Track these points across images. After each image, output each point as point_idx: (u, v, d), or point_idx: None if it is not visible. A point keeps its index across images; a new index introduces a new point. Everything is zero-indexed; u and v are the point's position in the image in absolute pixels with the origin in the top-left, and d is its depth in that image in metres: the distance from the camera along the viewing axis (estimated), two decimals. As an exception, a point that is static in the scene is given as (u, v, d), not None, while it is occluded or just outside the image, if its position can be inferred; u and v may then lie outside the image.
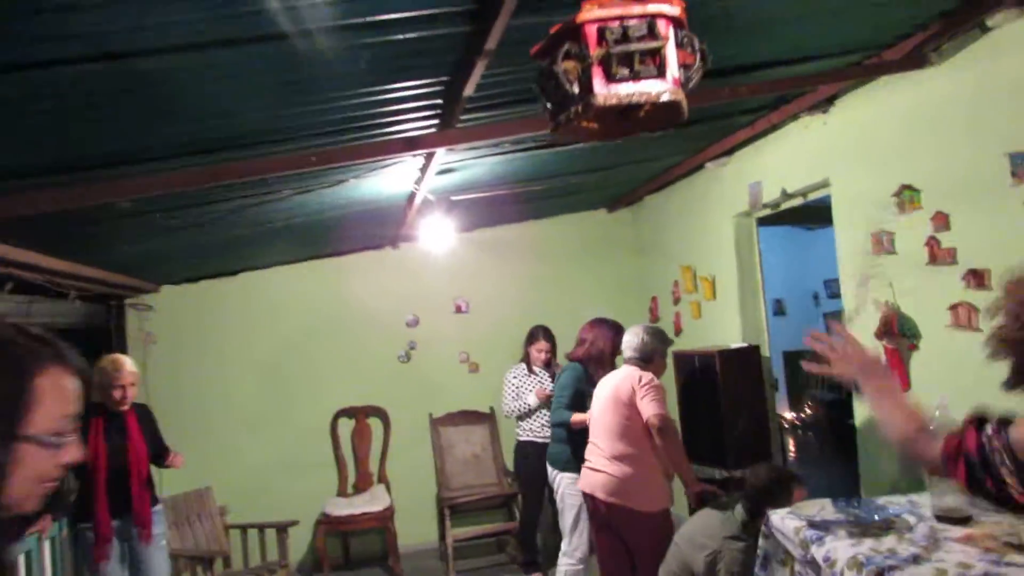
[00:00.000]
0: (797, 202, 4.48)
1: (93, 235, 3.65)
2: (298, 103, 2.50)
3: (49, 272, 3.88)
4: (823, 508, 2.64)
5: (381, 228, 5.04)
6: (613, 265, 6.47)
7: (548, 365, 5.20)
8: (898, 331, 3.51)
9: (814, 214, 5.37)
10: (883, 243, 3.61)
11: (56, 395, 0.93)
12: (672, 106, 1.07)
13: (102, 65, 1.86)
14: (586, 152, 3.98)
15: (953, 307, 3.20)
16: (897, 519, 2.48)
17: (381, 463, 5.94)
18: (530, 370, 5.22)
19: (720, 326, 5.15)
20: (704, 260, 5.36)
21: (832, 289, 8.98)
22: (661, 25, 1.02)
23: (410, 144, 2.71)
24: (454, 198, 4.15)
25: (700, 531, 3.14)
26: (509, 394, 5.16)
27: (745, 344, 4.74)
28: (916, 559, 2.13)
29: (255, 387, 5.83)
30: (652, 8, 1.01)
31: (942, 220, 3.24)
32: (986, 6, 2.78)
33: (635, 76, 0.99)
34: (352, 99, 2.53)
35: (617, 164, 4.68)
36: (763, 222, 5.02)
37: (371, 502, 5.57)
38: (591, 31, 1.01)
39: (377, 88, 2.47)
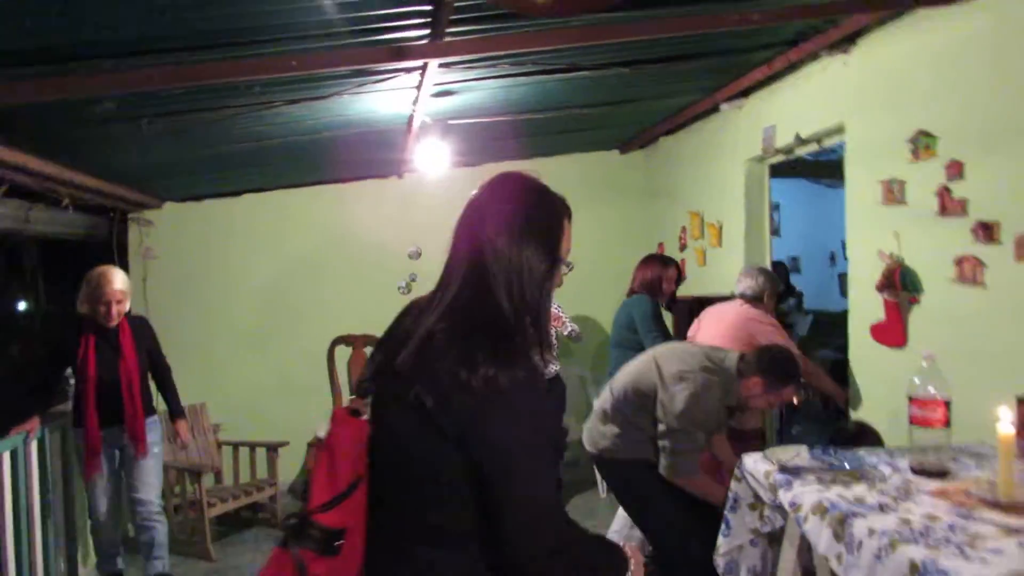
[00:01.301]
0: (812, 148, 4.30)
1: (82, 139, 3.59)
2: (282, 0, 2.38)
3: (41, 176, 3.84)
4: (798, 454, 2.57)
5: (382, 153, 4.93)
6: (622, 209, 6.34)
7: None
8: (900, 284, 3.39)
9: (836, 170, 5.20)
10: (894, 192, 3.46)
11: (568, 234, 1.44)
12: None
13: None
14: (594, 83, 3.83)
15: (959, 261, 3.07)
16: (872, 469, 2.41)
17: (376, 392, 5.95)
18: None
19: (724, 274, 5.03)
20: (713, 206, 5.22)
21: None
22: None
23: (397, 53, 2.58)
24: (452, 122, 4.02)
25: (680, 355, 3.12)
26: None
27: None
28: (882, 507, 2.06)
29: (254, 309, 5.84)
30: None
31: (956, 169, 3.08)
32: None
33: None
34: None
35: (628, 99, 4.51)
36: (783, 173, 4.87)
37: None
38: None
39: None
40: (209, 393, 5.38)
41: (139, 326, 3.91)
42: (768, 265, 4.86)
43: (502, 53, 3.04)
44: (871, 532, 1.92)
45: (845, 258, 8.99)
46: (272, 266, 5.88)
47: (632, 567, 1.44)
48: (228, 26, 2.47)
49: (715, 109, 4.94)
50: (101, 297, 3.62)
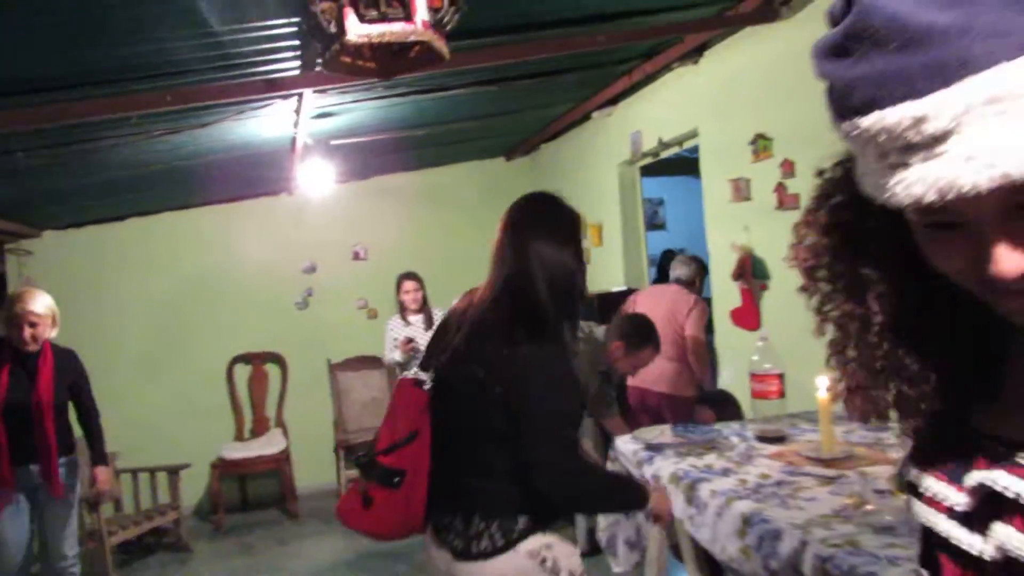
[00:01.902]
0: (673, 151, 4.68)
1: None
2: (152, 40, 2.48)
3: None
4: (662, 433, 2.87)
5: (269, 172, 5.00)
6: (510, 213, 6.58)
7: (422, 310, 5.09)
8: (751, 273, 3.78)
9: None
10: (741, 190, 3.85)
11: None
12: (428, 48, 1.17)
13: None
14: (466, 99, 4.06)
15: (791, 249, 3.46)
16: (723, 440, 2.74)
17: (278, 408, 6.00)
18: (404, 319, 5.06)
19: (606, 271, 5.37)
20: (592, 208, 5.55)
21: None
22: (404, -29, 1.12)
23: (271, 85, 2.73)
24: (334, 142, 4.17)
25: None
26: (388, 345, 5.10)
27: (626, 288, 4.97)
28: (726, 472, 2.37)
29: (149, 332, 5.77)
30: (395, -46, 1.11)
31: (789, 167, 3.49)
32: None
33: (383, 17, 1.09)
34: (209, 38, 2.53)
35: (503, 112, 4.77)
36: (666, 172, 5.24)
37: (267, 445, 5.65)
38: (342, -26, 1.10)
39: (233, 27, 2.48)
40: (106, 421, 5.27)
41: (65, 358, 3.67)
42: (643, 258, 5.24)
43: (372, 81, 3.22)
44: (713, 493, 2.21)
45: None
46: (164, 288, 5.82)
47: (653, 503, 1.90)
48: (101, 64, 2.55)
49: (587, 117, 5.27)
50: (14, 319, 3.39)
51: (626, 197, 5.21)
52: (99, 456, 3.82)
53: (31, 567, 3.74)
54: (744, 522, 2.02)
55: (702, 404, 3.55)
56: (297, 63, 2.84)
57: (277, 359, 6.03)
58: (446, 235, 6.39)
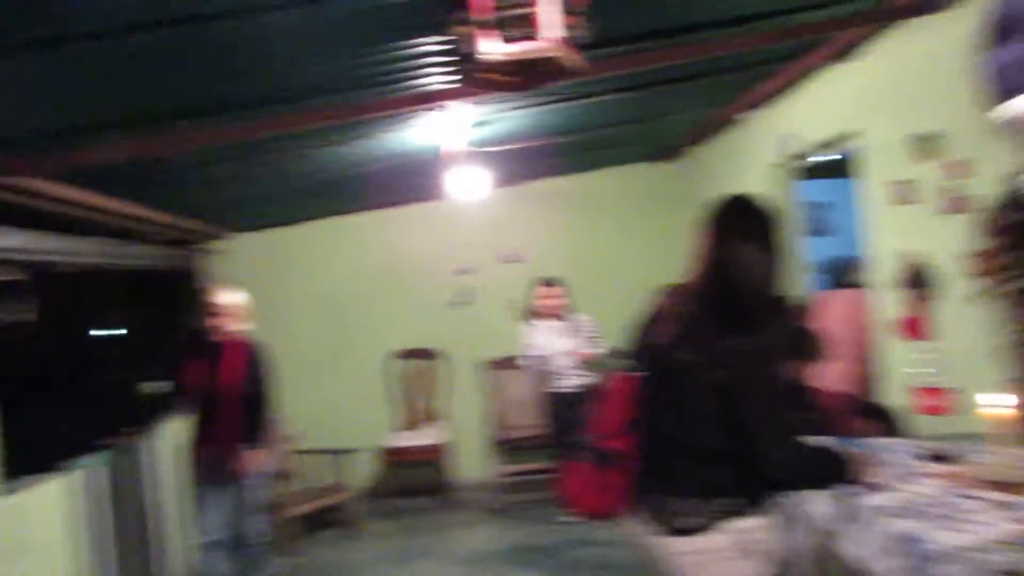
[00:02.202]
0: (825, 153, 4.49)
1: (167, 184, 4.06)
2: (326, 59, 2.75)
3: (131, 218, 4.35)
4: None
5: (426, 180, 5.31)
6: (658, 218, 6.57)
7: (558, 316, 5.28)
8: (921, 281, 3.55)
9: None
10: (904, 193, 3.64)
11: None
12: (559, 64, 1.26)
13: (170, 31, 2.18)
14: (612, 105, 4.13)
15: (969, 254, 3.23)
16: (888, 455, 2.58)
17: (439, 401, 6.33)
18: (531, 322, 5.35)
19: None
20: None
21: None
22: (535, -8, 1.21)
23: (425, 98, 2.94)
24: (487, 150, 4.37)
25: None
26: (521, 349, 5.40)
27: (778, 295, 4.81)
28: (886, 489, 2.23)
29: (319, 328, 6.31)
30: (526, -23, 1.20)
31: (958, 168, 3.26)
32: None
33: (515, 38, 1.19)
34: (379, 55, 2.76)
35: (647, 117, 4.79)
36: (826, 175, 5.08)
37: (428, 436, 6.00)
38: (479, 1, 1.21)
39: (393, 45, 2.69)
40: (283, 407, 5.83)
41: (251, 351, 3.89)
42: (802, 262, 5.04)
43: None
44: (871, 509, 2.11)
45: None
46: (332, 288, 6.34)
47: (859, 469, 1.99)
48: (284, 85, 2.88)
49: (735, 120, 5.16)
50: (208, 310, 3.78)
51: (778, 201, 5.04)
52: (253, 439, 3.82)
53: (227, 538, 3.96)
54: (904, 542, 1.93)
55: (865, 416, 3.41)
56: (454, 77, 3.04)
57: (437, 355, 6.37)
58: (596, 239, 6.50)
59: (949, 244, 3.32)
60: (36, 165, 2.89)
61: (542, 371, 5.21)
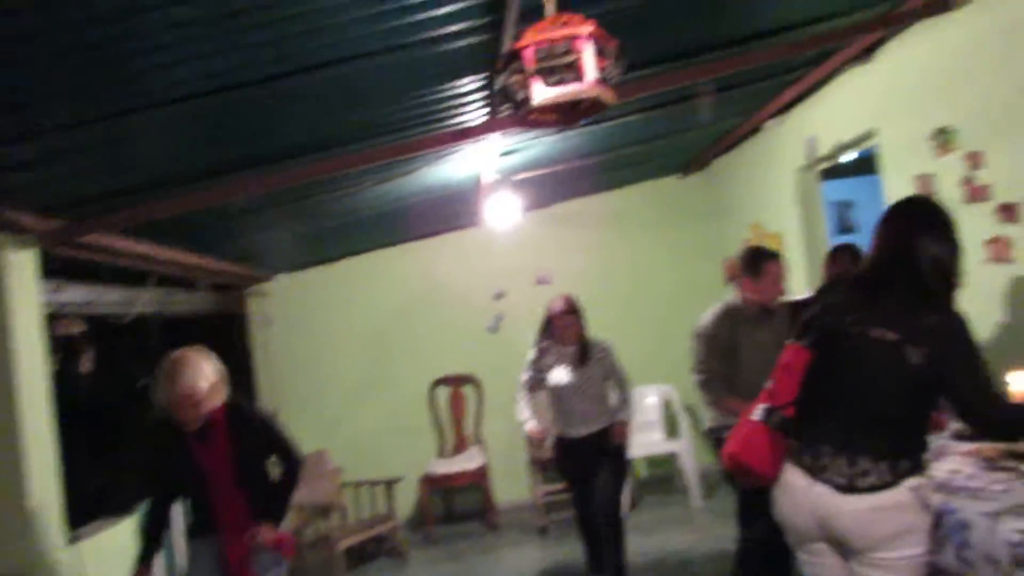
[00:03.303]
0: (851, 154, 4.61)
1: (215, 231, 4.29)
2: (370, 108, 2.97)
3: (184, 266, 4.58)
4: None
5: (459, 209, 5.51)
6: (688, 229, 6.69)
7: (575, 343, 4.15)
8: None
9: None
10: (927, 186, 3.74)
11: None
12: (596, 101, 1.43)
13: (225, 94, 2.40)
14: (635, 125, 4.29)
15: (989, 242, 3.33)
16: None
17: (476, 426, 6.47)
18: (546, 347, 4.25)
19: (789, 280, 5.31)
20: (771, 216, 5.53)
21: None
22: (578, 42, 1.38)
23: (463, 134, 3.14)
24: (517, 177, 4.56)
25: None
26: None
27: (810, 295, 4.91)
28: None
29: (360, 361, 6.49)
30: (568, 31, 1.38)
31: (975, 159, 3.37)
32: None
33: (561, 81, 1.36)
34: (413, 100, 2.97)
35: (674, 131, 4.94)
36: (847, 173, 5.18)
37: (468, 461, 6.11)
38: (528, 53, 1.39)
39: (432, 89, 2.91)
40: (328, 440, 6.01)
41: (236, 418, 2.96)
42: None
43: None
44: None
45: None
46: (371, 321, 6.53)
47: None
48: (329, 134, 3.10)
49: (758, 128, 5.29)
50: (170, 401, 2.80)
51: (806, 203, 5.15)
52: (267, 513, 2.96)
53: None
54: (935, 515, 2.06)
55: None
56: (485, 111, 3.24)
57: (473, 381, 6.52)
58: (626, 255, 6.63)
59: (971, 234, 3.42)
60: (105, 223, 3.11)
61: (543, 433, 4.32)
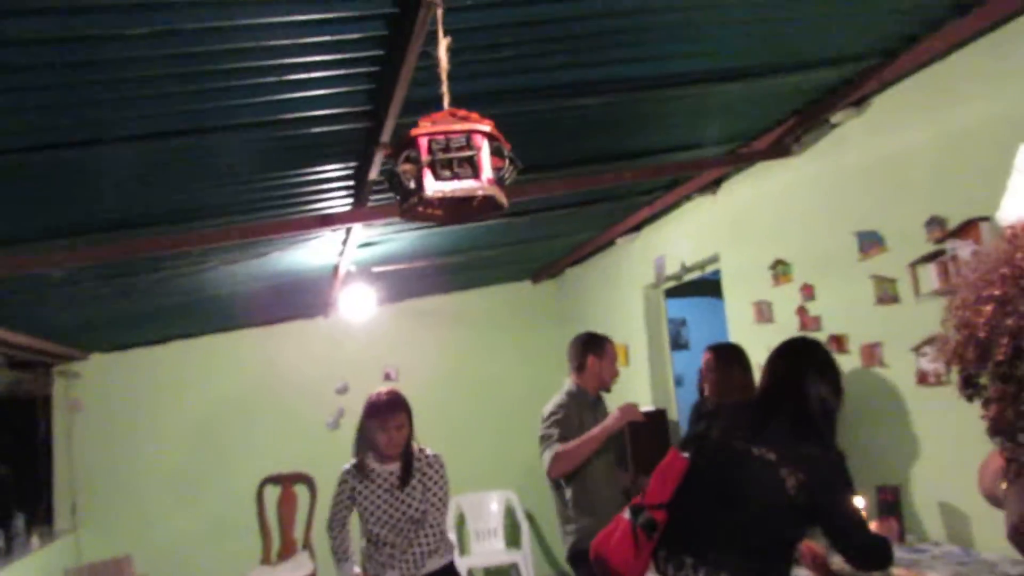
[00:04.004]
0: (695, 275, 4.89)
1: (23, 303, 3.79)
2: (225, 184, 2.77)
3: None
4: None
5: (310, 298, 5.26)
6: (537, 335, 6.77)
7: (399, 456, 3.20)
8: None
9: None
10: (763, 313, 4.00)
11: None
12: (491, 199, 1.38)
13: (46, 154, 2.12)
14: (498, 228, 4.33)
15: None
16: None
17: (306, 530, 5.98)
18: (363, 469, 3.23)
19: (632, 391, 5.45)
20: (619, 329, 5.70)
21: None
22: (476, 138, 1.35)
23: (325, 220, 3.00)
24: (375, 270, 4.43)
25: None
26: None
27: (653, 408, 5.05)
28: None
29: (183, 454, 5.88)
30: (468, 126, 1.34)
31: (808, 291, 3.65)
32: (828, 105, 3.24)
33: (456, 176, 1.31)
34: (274, 181, 2.82)
35: (531, 239, 5.05)
36: (687, 293, 5.45)
37: (294, 569, 5.60)
38: (423, 142, 1.33)
39: (296, 171, 2.77)
40: (136, 544, 5.33)
41: None
42: (670, 379, 5.34)
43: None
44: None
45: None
46: (200, 410, 5.98)
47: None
48: (174, 206, 2.84)
49: (612, 243, 5.53)
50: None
51: (651, 319, 5.38)
52: None
53: None
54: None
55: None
56: (350, 200, 3.12)
57: (306, 480, 6.07)
58: (476, 356, 6.58)
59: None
60: None
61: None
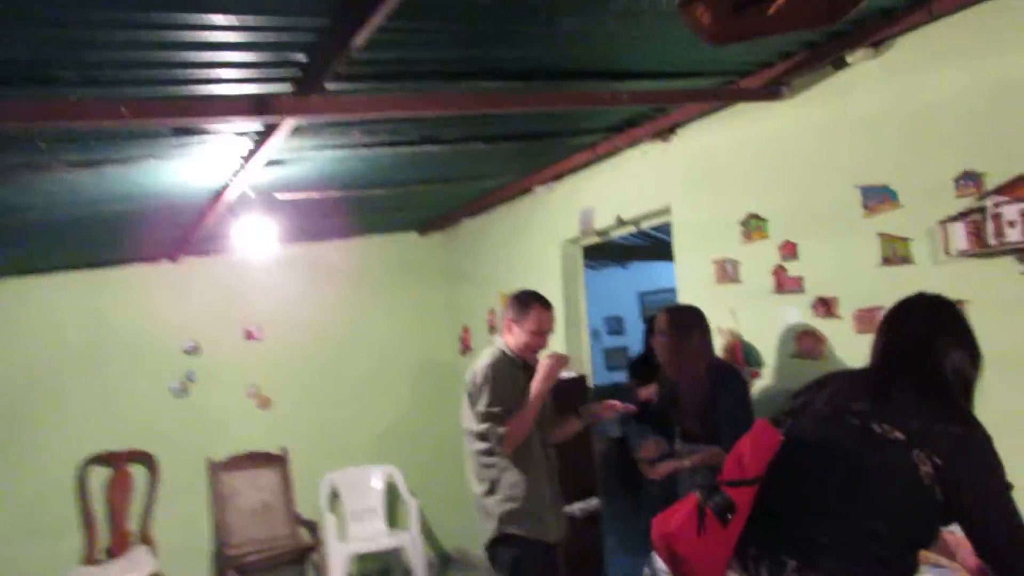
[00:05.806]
0: (631, 229, 4.44)
1: None
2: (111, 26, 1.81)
3: None
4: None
5: (161, 234, 4.17)
6: (423, 292, 6.10)
7: None
8: (743, 359, 3.51)
9: (597, 252, 5.49)
10: (728, 272, 3.62)
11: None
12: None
13: None
14: (427, 159, 3.60)
15: (799, 335, 3.24)
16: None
17: (144, 520, 4.91)
18: None
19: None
20: (527, 287, 5.15)
21: (612, 326, 9.31)
22: None
23: (260, 106, 2.12)
24: (279, 196, 3.51)
25: None
26: None
27: (575, 374, 4.57)
28: None
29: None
30: None
31: (790, 249, 3.30)
32: (848, 42, 2.87)
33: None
34: (183, 29, 1.88)
35: (451, 178, 4.35)
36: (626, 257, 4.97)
37: (129, 568, 4.59)
38: None
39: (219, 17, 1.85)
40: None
41: None
42: (586, 342, 4.90)
43: (357, 118, 2.70)
44: None
45: (608, 334, 9.48)
46: (3, 374, 4.68)
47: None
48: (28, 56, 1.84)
49: (527, 191, 4.95)
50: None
51: (568, 277, 4.88)
52: None
53: None
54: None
55: None
56: (286, 86, 2.25)
57: (145, 459, 4.98)
58: (351, 314, 5.77)
59: (776, 324, 3.35)
60: None
61: None
